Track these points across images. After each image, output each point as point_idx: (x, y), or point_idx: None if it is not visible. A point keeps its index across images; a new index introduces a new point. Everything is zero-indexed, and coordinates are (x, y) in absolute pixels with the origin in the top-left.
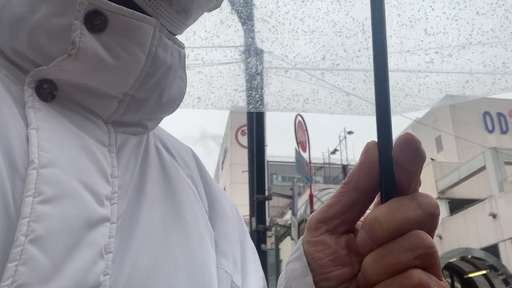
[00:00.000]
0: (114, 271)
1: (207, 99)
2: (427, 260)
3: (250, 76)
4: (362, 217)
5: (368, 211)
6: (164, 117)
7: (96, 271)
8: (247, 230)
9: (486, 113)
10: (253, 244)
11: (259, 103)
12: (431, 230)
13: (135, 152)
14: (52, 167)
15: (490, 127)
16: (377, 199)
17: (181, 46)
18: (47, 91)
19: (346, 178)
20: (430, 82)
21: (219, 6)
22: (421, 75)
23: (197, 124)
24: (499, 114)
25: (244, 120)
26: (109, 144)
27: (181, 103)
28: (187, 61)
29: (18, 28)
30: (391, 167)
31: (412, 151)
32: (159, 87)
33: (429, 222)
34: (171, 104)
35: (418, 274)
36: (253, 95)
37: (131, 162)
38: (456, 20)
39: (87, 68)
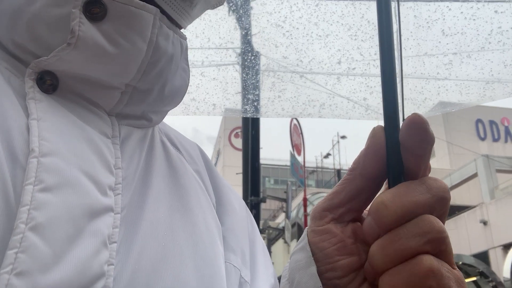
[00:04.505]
0: (119, 262)
1: (222, 105)
2: (437, 245)
3: (265, 82)
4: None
5: None
6: (168, 110)
7: (99, 260)
8: (256, 227)
9: (478, 121)
10: (263, 242)
11: (273, 108)
12: (441, 215)
13: (139, 145)
14: (53, 156)
15: (482, 135)
16: (384, 186)
17: (182, 37)
18: (48, 83)
19: (352, 164)
20: (450, 85)
21: (222, 3)
22: (440, 77)
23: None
24: (491, 122)
25: (237, 122)
26: (112, 136)
27: (197, 110)
28: (202, 68)
29: (16, 19)
30: (398, 152)
31: (420, 133)
32: (161, 77)
33: (439, 207)
34: (174, 95)
35: (429, 260)
36: (266, 101)
37: (135, 154)
38: (474, 19)
39: (87, 58)
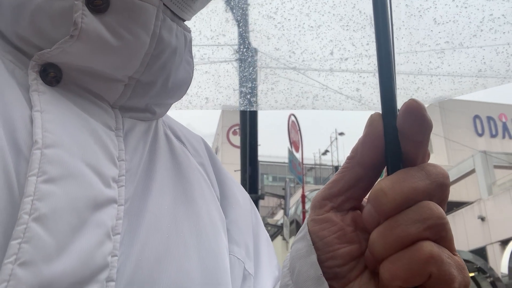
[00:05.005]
0: (123, 253)
1: (215, 99)
2: (437, 231)
3: (257, 74)
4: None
5: None
6: (172, 103)
7: (103, 251)
8: (261, 220)
9: (476, 117)
10: (267, 234)
11: (266, 101)
12: (441, 202)
13: (143, 138)
14: (56, 147)
15: (480, 131)
16: (384, 174)
17: (186, 29)
18: (51, 75)
19: (350, 152)
20: (442, 73)
21: None
22: (432, 66)
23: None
24: (489, 118)
25: (235, 119)
26: (116, 128)
27: (189, 104)
28: (194, 61)
29: (20, 13)
30: (396, 139)
31: (417, 118)
32: (165, 70)
33: (439, 193)
34: (178, 88)
35: (429, 246)
36: (259, 93)
37: (139, 146)
38: (465, 7)
39: (90, 50)
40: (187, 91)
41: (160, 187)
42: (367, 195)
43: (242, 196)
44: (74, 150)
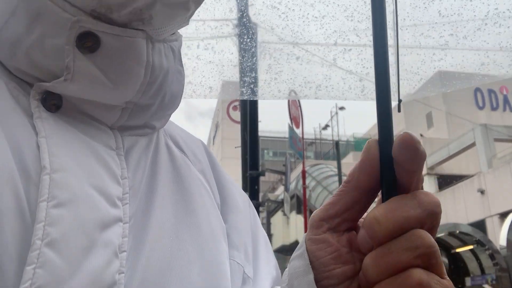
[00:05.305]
0: (128, 269)
1: (219, 88)
2: (427, 259)
3: (261, 64)
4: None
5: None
6: (170, 114)
7: (111, 270)
8: (259, 221)
9: (477, 90)
10: (265, 235)
11: (269, 90)
12: (432, 229)
13: (144, 153)
14: (63, 171)
15: (480, 104)
16: (379, 196)
17: (172, 40)
18: (52, 103)
19: (347, 177)
20: (445, 66)
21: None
22: (435, 58)
23: None
24: (490, 91)
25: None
26: (116, 148)
27: (193, 93)
28: (198, 51)
29: (16, 48)
30: (391, 166)
31: (411, 151)
32: (161, 91)
33: (430, 221)
34: (174, 101)
35: (418, 274)
36: (262, 83)
37: (141, 163)
38: (470, 0)
39: (85, 88)
40: (192, 81)
41: (162, 201)
42: (364, 215)
43: (241, 198)
44: (79, 173)
